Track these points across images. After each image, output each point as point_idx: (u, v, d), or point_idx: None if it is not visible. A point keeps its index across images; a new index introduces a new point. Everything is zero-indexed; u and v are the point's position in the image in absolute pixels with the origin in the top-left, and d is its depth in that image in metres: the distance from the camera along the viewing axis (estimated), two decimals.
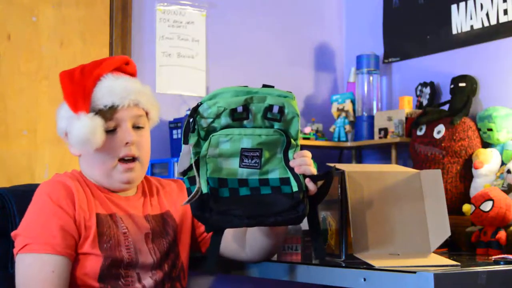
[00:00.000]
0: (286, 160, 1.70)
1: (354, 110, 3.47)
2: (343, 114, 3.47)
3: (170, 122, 3.13)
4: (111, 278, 1.72)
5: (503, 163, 2.77)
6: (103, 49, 3.05)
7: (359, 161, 3.63)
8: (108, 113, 1.79)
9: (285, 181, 1.69)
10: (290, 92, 1.72)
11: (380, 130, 3.29)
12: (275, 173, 1.70)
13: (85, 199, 1.76)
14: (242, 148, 1.68)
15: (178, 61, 3.26)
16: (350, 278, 1.74)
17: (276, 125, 1.69)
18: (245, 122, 1.68)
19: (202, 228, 1.96)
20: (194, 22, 3.31)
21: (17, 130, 2.84)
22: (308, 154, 1.70)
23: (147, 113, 1.88)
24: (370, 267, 1.72)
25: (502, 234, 2.27)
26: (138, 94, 1.84)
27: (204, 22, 3.34)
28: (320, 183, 1.72)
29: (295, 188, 1.68)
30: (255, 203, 1.68)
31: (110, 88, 1.79)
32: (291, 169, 1.69)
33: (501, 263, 1.90)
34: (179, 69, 3.26)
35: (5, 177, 2.77)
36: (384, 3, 3.52)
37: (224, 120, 1.66)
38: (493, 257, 2.04)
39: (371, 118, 3.39)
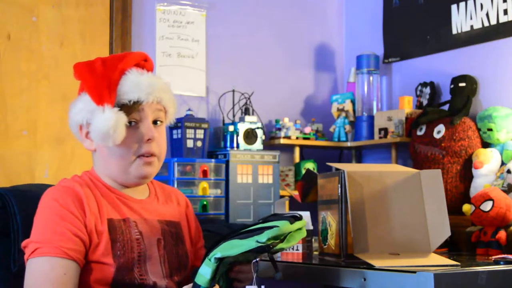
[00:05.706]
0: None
1: (354, 110, 3.47)
2: (343, 114, 3.47)
3: None
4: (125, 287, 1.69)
5: (503, 163, 2.77)
6: (103, 49, 3.05)
7: (359, 161, 3.63)
8: (131, 108, 1.76)
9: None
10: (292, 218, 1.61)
11: (380, 130, 3.28)
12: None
13: (95, 204, 1.72)
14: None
15: (178, 61, 3.26)
16: (350, 278, 1.74)
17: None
18: None
19: (199, 244, 1.94)
20: (194, 22, 3.30)
21: (17, 130, 2.84)
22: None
23: (165, 111, 1.86)
24: (370, 267, 1.72)
25: (502, 234, 2.27)
26: (162, 91, 1.82)
27: (204, 22, 3.34)
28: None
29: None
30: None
31: (136, 83, 1.77)
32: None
33: (501, 263, 1.90)
34: (179, 69, 3.26)
35: (5, 177, 2.76)
36: (384, 3, 3.52)
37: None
38: (493, 257, 2.04)
39: (371, 118, 3.39)
